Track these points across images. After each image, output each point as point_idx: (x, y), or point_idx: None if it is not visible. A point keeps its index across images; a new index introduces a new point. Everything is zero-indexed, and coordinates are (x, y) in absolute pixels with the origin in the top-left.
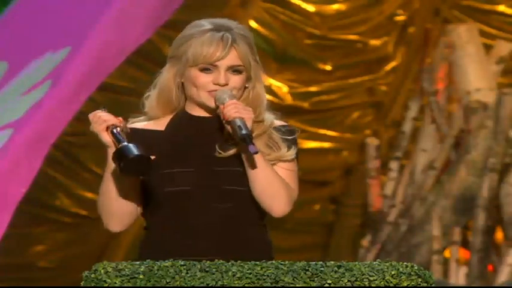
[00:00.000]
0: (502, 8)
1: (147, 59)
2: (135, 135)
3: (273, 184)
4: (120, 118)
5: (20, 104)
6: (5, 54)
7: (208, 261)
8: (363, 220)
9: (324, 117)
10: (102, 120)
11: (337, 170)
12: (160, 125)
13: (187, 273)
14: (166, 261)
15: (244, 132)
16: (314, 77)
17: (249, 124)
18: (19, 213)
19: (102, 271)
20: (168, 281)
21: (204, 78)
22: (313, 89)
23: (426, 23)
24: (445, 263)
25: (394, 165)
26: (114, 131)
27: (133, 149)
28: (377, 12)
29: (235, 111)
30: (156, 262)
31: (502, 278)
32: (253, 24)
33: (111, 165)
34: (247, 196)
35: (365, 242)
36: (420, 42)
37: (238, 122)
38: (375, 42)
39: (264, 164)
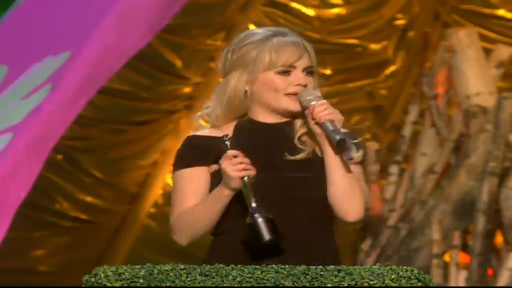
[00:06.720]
0: (501, 12)
1: (147, 63)
2: (201, 141)
3: (353, 188)
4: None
5: (19, 108)
6: (4, 58)
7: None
8: (363, 224)
9: None
10: (241, 167)
11: None
12: (225, 132)
13: (187, 277)
14: (166, 265)
15: (339, 137)
16: None
17: (339, 126)
18: (19, 217)
19: (102, 275)
20: (168, 284)
21: (283, 81)
22: None
23: (426, 27)
24: (445, 267)
25: (394, 169)
26: (246, 181)
27: (269, 230)
28: (377, 16)
29: (327, 113)
30: (156, 266)
31: (502, 282)
32: (253, 28)
33: (222, 200)
34: (316, 202)
35: (365, 246)
36: (420, 46)
37: (331, 126)
38: (374, 46)
39: (348, 167)
